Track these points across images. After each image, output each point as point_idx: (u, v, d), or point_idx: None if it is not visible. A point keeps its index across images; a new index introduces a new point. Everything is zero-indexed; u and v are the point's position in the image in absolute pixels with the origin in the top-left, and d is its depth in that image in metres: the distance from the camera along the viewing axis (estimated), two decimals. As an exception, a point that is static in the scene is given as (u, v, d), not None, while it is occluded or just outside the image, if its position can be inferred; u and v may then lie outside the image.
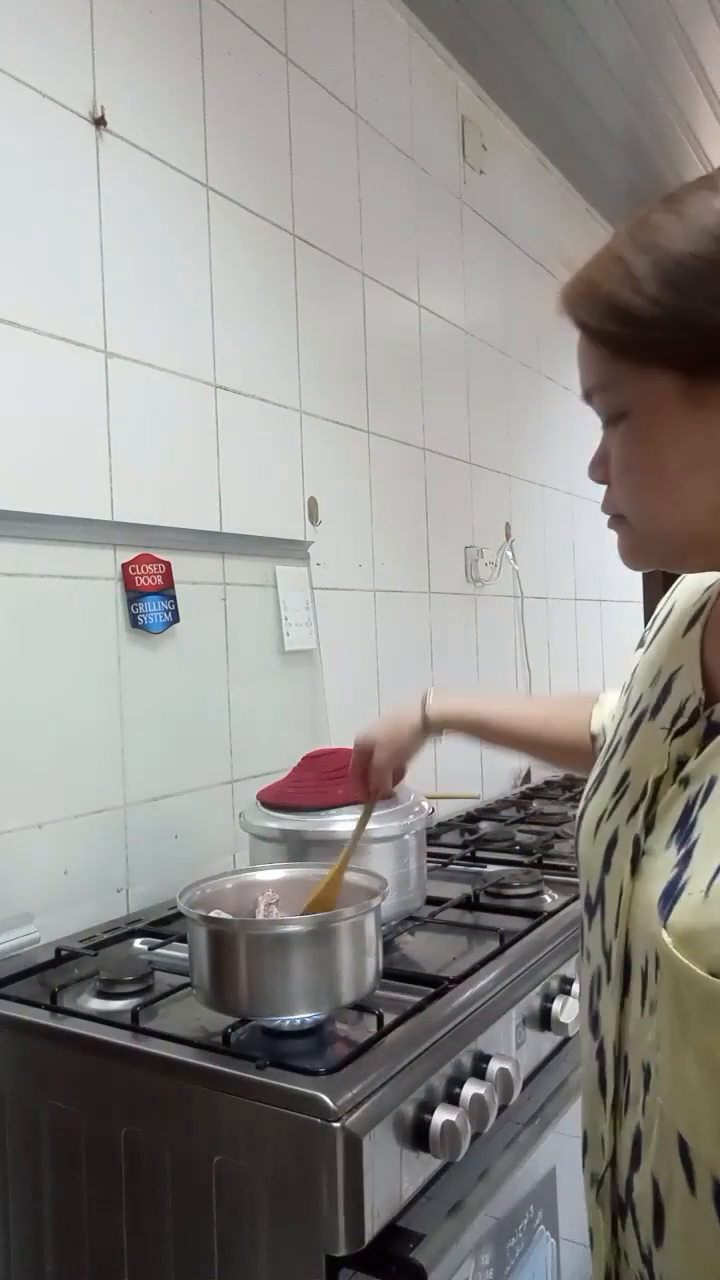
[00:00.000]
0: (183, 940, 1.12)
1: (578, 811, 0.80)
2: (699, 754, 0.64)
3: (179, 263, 1.59)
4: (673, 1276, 0.64)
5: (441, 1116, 0.94)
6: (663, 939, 0.59)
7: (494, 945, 1.25)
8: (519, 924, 1.32)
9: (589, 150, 2.84)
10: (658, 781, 0.67)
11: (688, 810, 0.62)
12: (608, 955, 0.69)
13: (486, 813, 2.13)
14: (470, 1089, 1.00)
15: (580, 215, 3.19)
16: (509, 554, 2.61)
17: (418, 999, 1.08)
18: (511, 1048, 1.13)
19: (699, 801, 0.62)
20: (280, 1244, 0.90)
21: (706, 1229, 0.60)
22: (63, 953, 1.24)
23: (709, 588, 0.76)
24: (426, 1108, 0.96)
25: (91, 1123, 1.02)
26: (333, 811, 1.28)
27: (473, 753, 2.42)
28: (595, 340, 0.65)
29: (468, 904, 1.41)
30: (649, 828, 0.66)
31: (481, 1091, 1.00)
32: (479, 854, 1.73)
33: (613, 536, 0.70)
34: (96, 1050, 1.03)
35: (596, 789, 0.76)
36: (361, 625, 2.03)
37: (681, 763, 0.66)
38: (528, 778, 2.62)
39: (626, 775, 0.72)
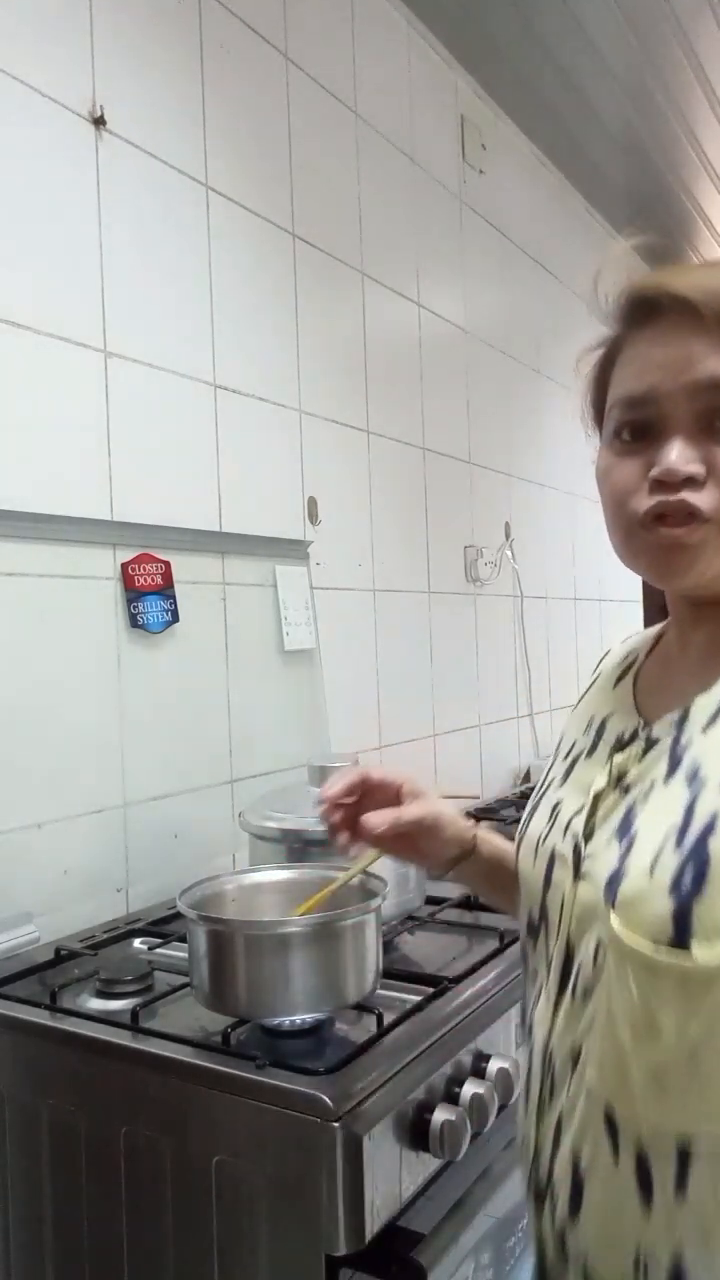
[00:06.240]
0: (183, 940, 1.12)
1: (512, 848, 0.84)
2: (639, 765, 0.71)
3: (179, 262, 1.59)
4: (588, 1248, 0.68)
5: (441, 1116, 0.95)
6: (609, 921, 0.64)
7: (494, 944, 1.25)
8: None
9: (589, 150, 2.84)
10: (599, 795, 0.73)
11: (629, 813, 0.68)
12: (549, 967, 0.73)
13: (486, 812, 2.13)
14: (470, 1088, 1.00)
15: (580, 215, 3.19)
16: (509, 553, 2.61)
17: (418, 998, 1.08)
18: (511, 1047, 1.13)
19: (639, 803, 0.68)
20: (280, 1244, 0.90)
21: (628, 1198, 0.64)
22: (62, 952, 1.24)
23: (632, 650, 0.86)
24: (426, 1107, 0.96)
25: (91, 1123, 1.02)
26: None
27: (473, 753, 2.43)
28: None
29: (467, 903, 1.41)
30: (589, 836, 0.71)
31: (481, 1091, 1.00)
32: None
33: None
34: (96, 1050, 1.03)
35: (530, 822, 0.80)
36: (361, 625, 2.03)
37: (622, 776, 0.72)
38: (527, 777, 2.62)
39: (557, 805, 0.77)
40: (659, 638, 0.83)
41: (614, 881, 0.65)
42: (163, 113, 1.56)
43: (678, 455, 0.65)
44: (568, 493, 3.00)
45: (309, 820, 1.28)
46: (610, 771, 0.73)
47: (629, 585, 3.47)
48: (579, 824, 0.73)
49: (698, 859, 0.60)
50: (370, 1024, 1.02)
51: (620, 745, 0.74)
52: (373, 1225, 0.87)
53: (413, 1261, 0.89)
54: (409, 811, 0.89)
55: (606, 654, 0.91)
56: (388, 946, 1.20)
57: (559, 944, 0.71)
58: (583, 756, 0.79)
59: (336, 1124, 0.86)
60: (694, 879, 0.60)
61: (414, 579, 2.23)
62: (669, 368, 0.67)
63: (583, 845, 0.71)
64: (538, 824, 0.79)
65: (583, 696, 0.88)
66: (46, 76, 1.36)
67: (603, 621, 3.31)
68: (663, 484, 0.66)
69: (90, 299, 1.43)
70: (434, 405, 2.32)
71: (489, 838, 0.95)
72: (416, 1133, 0.94)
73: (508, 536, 2.65)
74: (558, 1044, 0.71)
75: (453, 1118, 0.95)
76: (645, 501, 0.67)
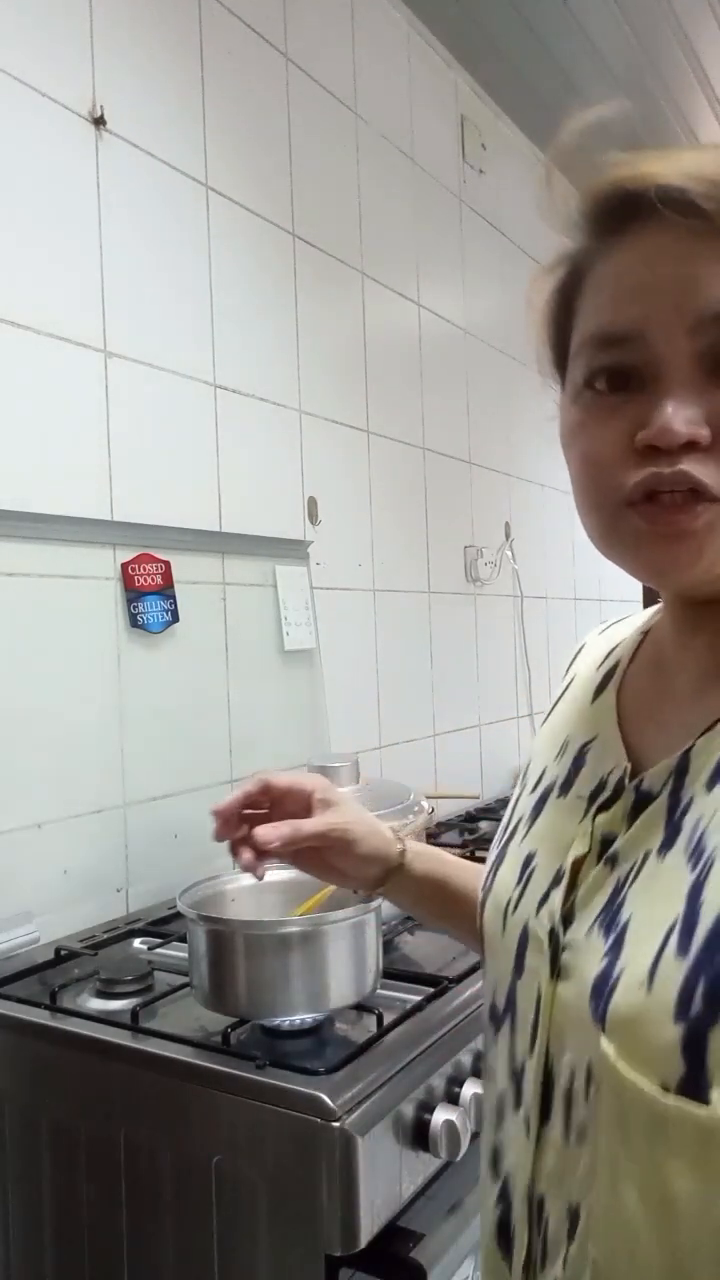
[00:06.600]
0: (182, 940, 1.12)
1: (478, 901, 0.69)
2: (627, 830, 0.55)
3: (179, 262, 1.59)
4: None
5: (441, 1116, 0.95)
6: (600, 1047, 0.49)
7: (494, 945, 1.25)
8: (519, 924, 1.32)
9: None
10: (578, 863, 0.58)
11: (616, 892, 0.54)
12: (517, 1076, 0.59)
13: (486, 812, 2.13)
14: (470, 1088, 1.00)
15: (580, 215, 3.19)
16: (509, 553, 2.61)
17: (418, 998, 1.08)
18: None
19: (629, 881, 0.53)
20: (280, 1244, 0.90)
21: None
22: (62, 952, 1.24)
23: (612, 652, 0.70)
24: (426, 1107, 0.96)
25: (91, 1123, 1.02)
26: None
27: (473, 753, 2.43)
28: None
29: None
30: (568, 918, 0.56)
31: (481, 1091, 1.00)
32: (479, 853, 1.73)
33: None
34: (96, 1050, 1.02)
35: (496, 874, 0.66)
36: (361, 625, 2.03)
37: (607, 841, 0.57)
38: (527, 777, 2.62)
39: (530, 859, 0.62)
40: (647, 633, 0.69)
41: (602, 991, 0.50)
42: (163, 113, 1.56)
43: (675, 412, 0.49)
44: (567, 492, 2.99)
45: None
46: (592, 834, 0.57)
47: (629, 585, 3.47)
48: (556, 900, 0.57)
49: (710, 972, 0.45)
50: (370, 1024, 1.02)
51: (603, 795, 0.59)
52: (372, 1225, 0.87)
53: (412, 1261, 0.89)
54: (309, 824, 0.77)
55: (581, 648, 0.76)
56: (388, 946, 1.20)
57: (535, 1056, 0.57)
58: (554, 792, 0.64)
59: (336, 1124, 0.86)
60: (707, 998, 0.45)
61: (414, 579, 2.23)
62: (662, 292, 0.50)
63: (560, 931, 0.56)
64: (505, 881, 0.64)
65: (554, 705, 0.73)
66: (46, 76, 1.36)
67: (603, 621, 3.31)
68: (656, 450, 0.50)
69: (90, 299, 1.43)
70: (434, 405, 2.31)
71: (423, 853, 0.83)
72: (416, 1133, 0.94)
73: (508, 536, 2.65)
74: (550, 1193, 0.56)
75: (453, 1118, 0.95)
76: (632, 474, 0.51)
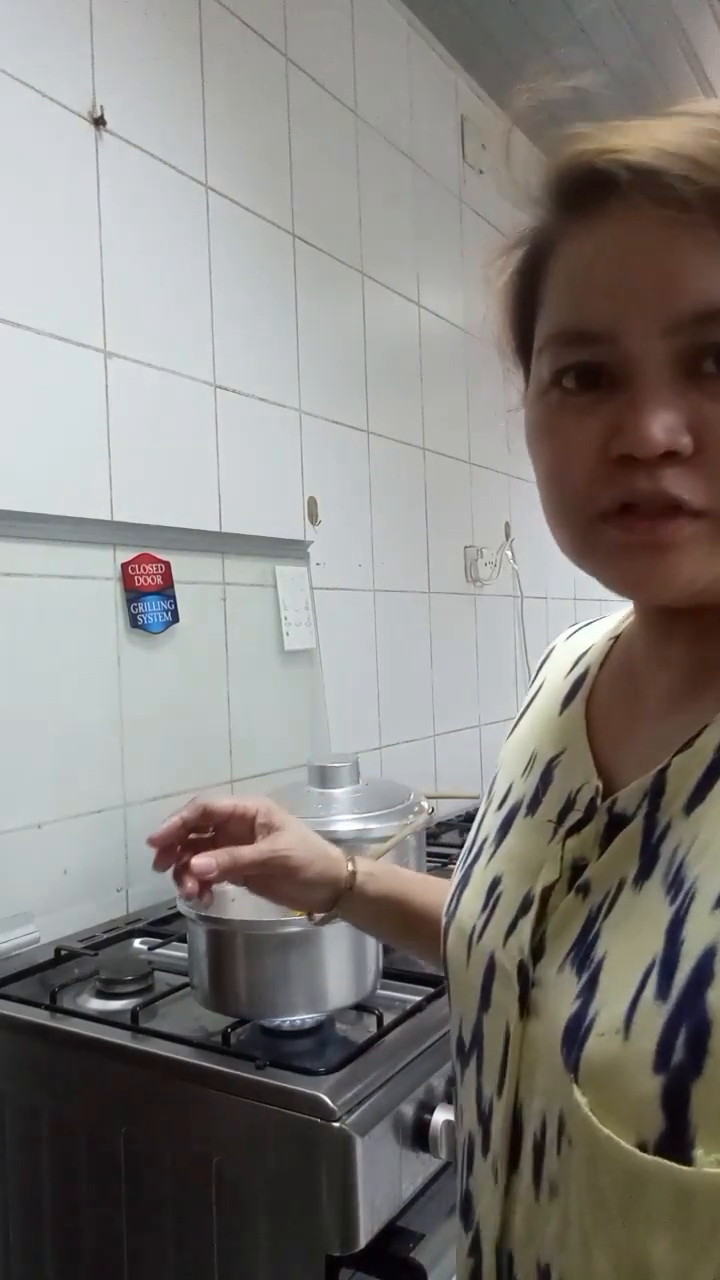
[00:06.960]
0: (182, 940, 1.12)
1: (442, 926, 0.63)
2: (600, 855, 0.51)
3: (179, 262, 1.59)
4: None
5: (441, 1116, 0.95)
6: (573, 1098, 0.45)
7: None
8: (519, 924, 1.32)
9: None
10: (547, 891, 0.53)
11: (589, 925, 0.49)
12: (485, 1119, 0.54)
13: (486, 813, 2.13)
14: (470, 1089, 1.00)
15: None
16: (509, 554, 2.61)
17: (417, 998, 1.08)
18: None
19: (603, 913, 0.49)
20: (280, 1244, 0.90)
21: None
22: (62, 952, 1.24)
23: (582, 657, 0.66)
24: (426, 1107, 0.96)
25: (91, 1123, 1.02)
26: (333, 814, 1.28)
27: (473, 753, 2.43)
28: None
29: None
30: (537, 950, 0.52)
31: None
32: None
33: None
34: (96, 1050, 1.02)
35: (460, 898, 0.61)
36: (361, 625, 2.03)
37: (578, 868, 0.52)
38: (527, 778, 2.62)
39: (497, 883, 0.58)
40: (617, 637, 0.66)
41: (574, 1036, 0.46)
42: (163, 113, 1.56)
43: (652, 419, 0.44)
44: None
45: (307, 820, 1.28)
46: (562, 859, 0.53)
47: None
48: (525, 930, 0.53)
49: (693, 1018, 0.41)
50: (370, 1024, 1.02)
51: (572, 816, 0.54)
52: (372, 1225, 0.87)
53: (412, 1261, 0.89)
54: (247, 852, 0.74)
55: (550, 651, 0.72)
56: (387, 946, 1.20)
57: (504, 1100, 0.52)
58: (522, 810, 0.60)
59: (336, 1124, 0.86)
60: (689, 1047, 0.40)
61: (414, 579, 2.23)
62: (636, 289, 0.45)
63: (530, 965, 0.52)
64: (470, 907, 0.59)
65: (522, 714, 0.69)
66: (46, 76, 1.36)
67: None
68: (632, 460, 0.45)
69: (90, 299, 1.43)
70: (434, 405, 2.31)
71: (378, 873, 0.79)
72: (416, 1133, 0.94)
73: (508, 536, 2.65)
74: (519, 1249, 0.52)
75: (453, 1118, 0.94)
76: (606, 487, 0.47)
